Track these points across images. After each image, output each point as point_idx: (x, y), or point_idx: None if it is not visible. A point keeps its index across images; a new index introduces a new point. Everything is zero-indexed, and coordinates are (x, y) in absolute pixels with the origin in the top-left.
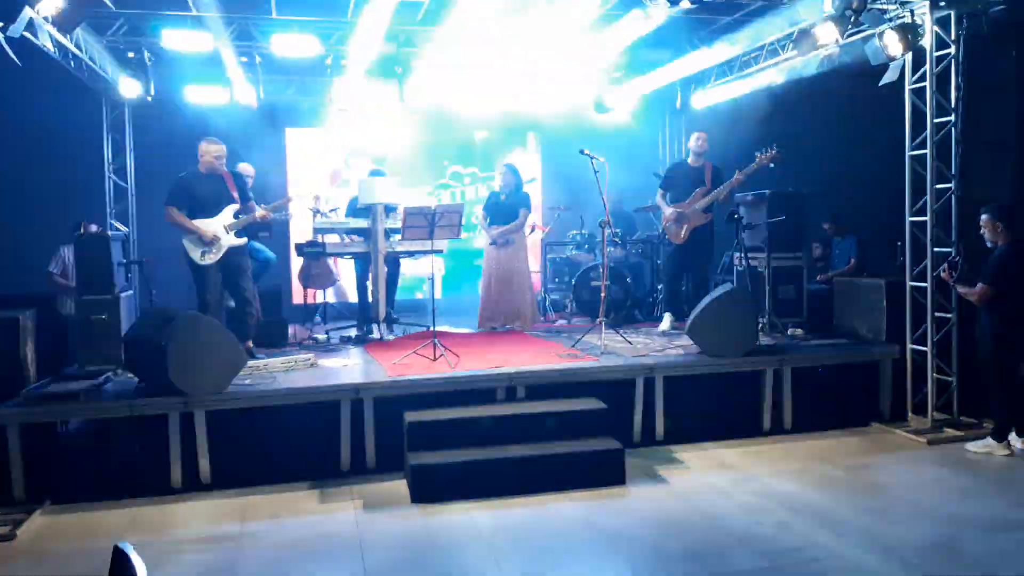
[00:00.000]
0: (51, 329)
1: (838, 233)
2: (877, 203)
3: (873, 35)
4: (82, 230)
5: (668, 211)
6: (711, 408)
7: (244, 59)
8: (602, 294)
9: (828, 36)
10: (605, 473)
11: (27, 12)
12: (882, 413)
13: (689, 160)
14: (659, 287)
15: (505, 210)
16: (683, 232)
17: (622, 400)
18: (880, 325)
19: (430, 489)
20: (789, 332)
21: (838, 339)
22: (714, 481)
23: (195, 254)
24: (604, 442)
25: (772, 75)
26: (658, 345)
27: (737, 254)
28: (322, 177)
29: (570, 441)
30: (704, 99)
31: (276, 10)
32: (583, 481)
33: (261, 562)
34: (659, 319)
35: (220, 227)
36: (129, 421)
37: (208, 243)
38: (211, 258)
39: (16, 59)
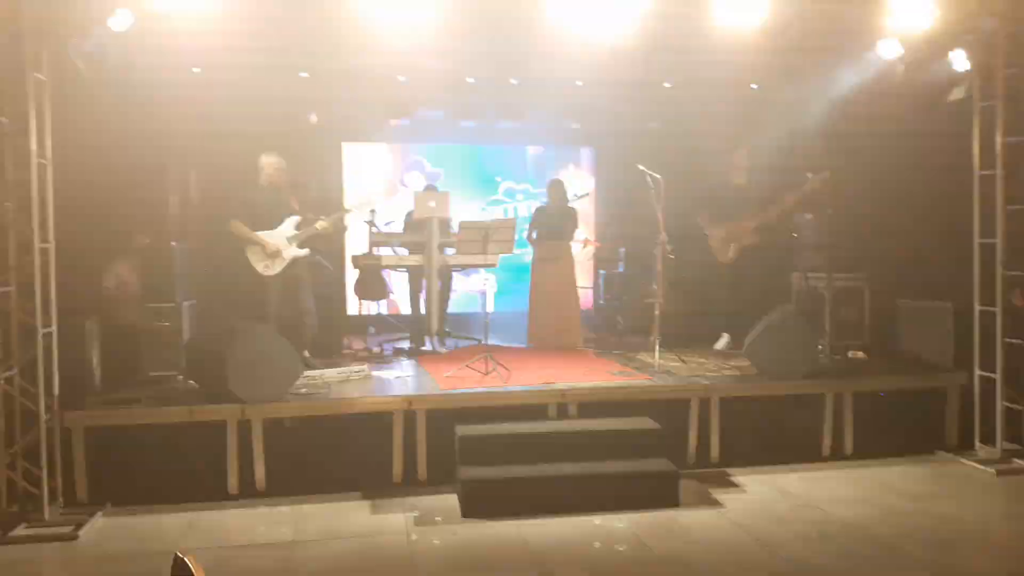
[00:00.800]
0: (116, 335)
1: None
2: (944, 223)
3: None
4: (135, 242)
5: (716, 231)
6: (768, 431)
7: (304, 74)
8: (656, 311)
9: (892, 51)
10: (659, 495)
11: (99, 29)
12: (948, 441)
13: (735, 179)
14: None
15: (554, 225)
16: (731, 252)
17: (676, 420)
18: (947, 350)
19: (481, 504)
20: (850, 355)
21: (902, 363)
22: (771, 507)
23: (259, 266)
24: (658, 463)
25: (831, 88)
26: (714, 365)
27: (796, 274)
28: (378, 191)
29: (623, 461)
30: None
31: None
32: (636, 502)
33: (315, 571)
34: (714, 338)
35: (282, 239)
36: (188, 427)
37: (271, 255)
38: (274, 269)
39: (86, 73)
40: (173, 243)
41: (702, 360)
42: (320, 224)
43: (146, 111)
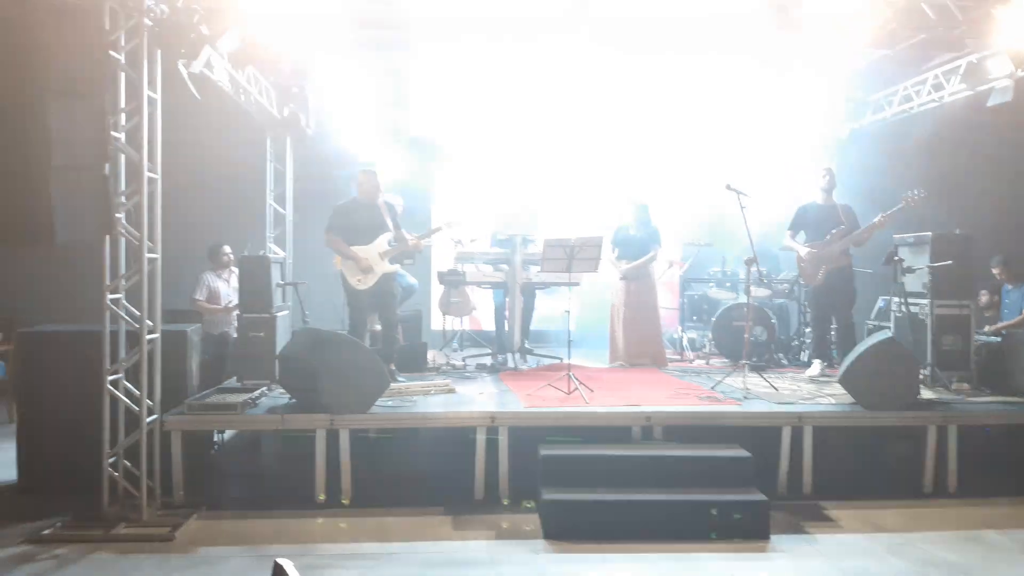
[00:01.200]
0: (213, 344)
1: (1010, 280)
2: None
3: None
4: (223, 256)
5: (803, 252)
6: (865, 464)
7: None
8: (745, 335)
9: (1002, 69)
10: (748, 526)
11: (208, 50)
12: None
13: (818, 200)
14: (806, 330)
15: (635, 244)
16: (819, 275)
17: (765, 448)
18: None
19: (563, 527)
20: (953, 387)
21: (1011, 397)
22: (868, 544)
23: (352, 279)
24: (748, 493)
25: (935, 108)
26: (806, 392)
27: (896, 299)
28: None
29: (710, 489)
30: (853, 128)
31: None
32: (723, 532)
33: None
34: (805, 363)
35: (375, 254)
36: (279, 435)
37: (364, 269)
38: (366, 283)
39: (196, 93)
40: (268, 254)
41: (793, 387)
42: (411, 241)
43: (247, 127)
